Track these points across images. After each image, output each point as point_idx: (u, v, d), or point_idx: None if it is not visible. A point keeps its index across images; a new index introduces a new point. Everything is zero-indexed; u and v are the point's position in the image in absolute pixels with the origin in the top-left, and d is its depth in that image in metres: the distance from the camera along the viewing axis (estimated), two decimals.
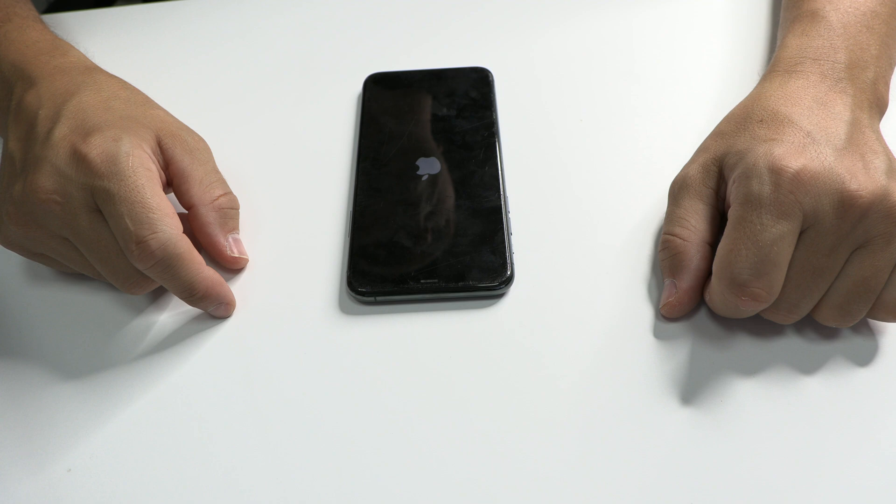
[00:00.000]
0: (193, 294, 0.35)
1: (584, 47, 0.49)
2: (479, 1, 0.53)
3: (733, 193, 0.33)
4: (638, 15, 0.51)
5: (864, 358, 0.34)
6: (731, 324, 0.35)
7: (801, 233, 0.32)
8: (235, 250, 0.38)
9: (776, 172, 0.32)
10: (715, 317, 0.36)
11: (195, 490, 0.32)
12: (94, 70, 0.40)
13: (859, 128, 0.34)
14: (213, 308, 0.36)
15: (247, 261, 0.39)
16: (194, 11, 0.54)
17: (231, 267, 0.39)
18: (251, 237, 0.40)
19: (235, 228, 0.39)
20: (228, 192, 0.39)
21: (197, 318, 0.37)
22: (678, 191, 0.37)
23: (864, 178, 0.32)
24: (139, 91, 0.41)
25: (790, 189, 0.31)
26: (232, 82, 0.49)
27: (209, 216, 0.38)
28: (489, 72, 0.47)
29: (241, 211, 0.41)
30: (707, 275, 0.35)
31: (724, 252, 0.32)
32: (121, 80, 0.40)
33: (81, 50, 0.42)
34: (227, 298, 0.36)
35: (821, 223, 0.31)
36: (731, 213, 0.33)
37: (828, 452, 0.31)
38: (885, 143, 0.34)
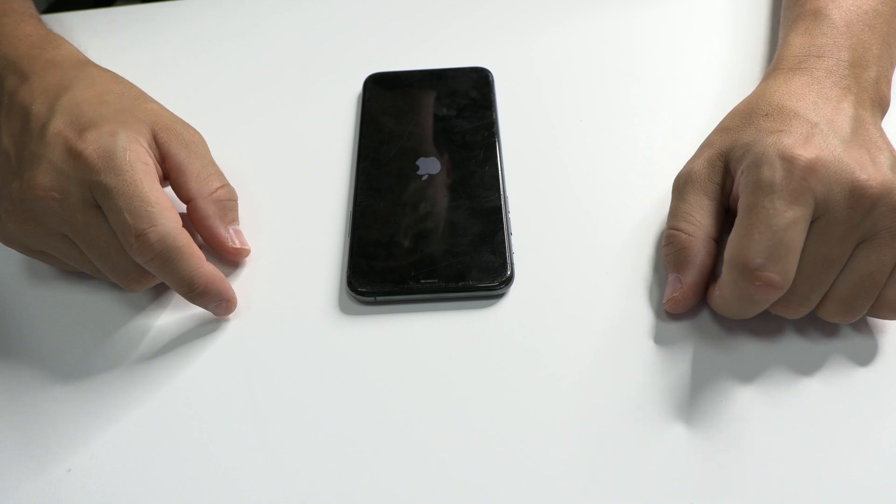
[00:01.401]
0: (193, 289, 0.35)
1: (584, 47, 0.49)
2: (479, 1, 0.53)
3: (742, 183, 0.33)
4: (638, 15, 0.51)
5: (865, 358, 0.34)
6: (732, 325, 0.35)
7: (812, 223, 0.32)
8: (237, 241, 0.38)
9: (788, 160, 0.31)
10: (716, 318, 0.36)
11: (195, 490, 0.32)
12: (86, 64, 0.40)
13: (863, 124, 0.34)
14: (214, 306, 0.36)
15: (249, 251, 0.39)
16: (194, 11, 0.54)
17: (234, 258, 0.39)
18: (251, 237, 0.40)
19: (235, 220, 0.39)
20: (226, 184, 0.39)
21: (197, 319, 0.37)
22: (682, 186, 0.37)
23: (873, 170, 0.32)
24: (132, 85, 0.40)
25: (802, 176, 0.31)
26: (232, 82, 0.49)
27: (208, 209, 0.38)
28: (489, 72, 0.47)
29: (242, 211, 0.41)
30: (711, 271, 0.35)
31: (737, 239, 0.32)
32: (113, 73, 0.40)
33: (81, 50, 0.42)
34: (228, 295, 0.36)
35: (832, 212, 0.31)
36: (741, 203, 0.33)
37: (828, 452, 0.31)
38: (888, 141, 0.35)
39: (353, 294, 0.37)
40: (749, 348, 0.34)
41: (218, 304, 0.36)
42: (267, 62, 0.50)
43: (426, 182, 0.41)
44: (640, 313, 0.36)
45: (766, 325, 0.35)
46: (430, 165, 0.41)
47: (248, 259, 0.39)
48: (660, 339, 0.35)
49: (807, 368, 0.34)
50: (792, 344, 0.34)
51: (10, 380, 0.36)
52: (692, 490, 0.31)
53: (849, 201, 0.31)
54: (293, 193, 0.42)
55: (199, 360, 0.36)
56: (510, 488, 0.31)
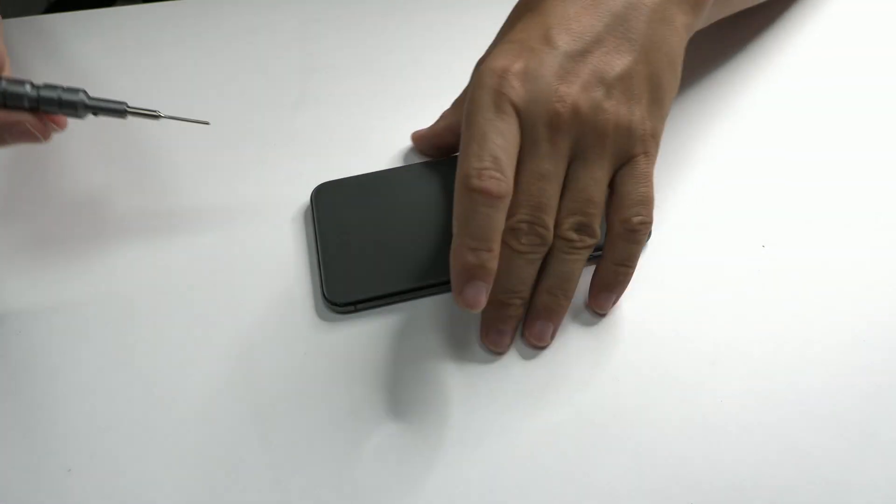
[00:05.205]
0: None
1: None
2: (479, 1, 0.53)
3: None
4: None
5: (865, 358, 0.34)
6: (728, 326, 0.35)
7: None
8: None
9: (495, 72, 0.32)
10: (713, 318, 0.36)
11: (195, 490, 0.32)
12: None
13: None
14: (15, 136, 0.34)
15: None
16: (194, 12, 0.54)
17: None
18: (249, 238, 0.40)
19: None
20: None
21: (195, 320, 0.37)
22: None
23: (576, 88, 0.32)
24: None
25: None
26: (232, 82, 0.49)
27: None
28: None
29: (240, 210, 0.41)
30: None
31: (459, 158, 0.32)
32: None
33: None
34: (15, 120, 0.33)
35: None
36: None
37: (829, 452, 0.32)
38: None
39: (332, 306, 0.37)
40: (748, 348, 0.35)
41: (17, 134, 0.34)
42: (267, 61, 0.50)
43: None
44: (638, 313, 0.36)
45: (762, 326, 0.35)
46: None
47: (241, 264, 0.39)
48: (659, 338, 0.35)
49: (805, 368, 0.34)
50: (791, 347, 0.34)
51: (11, 380, 0.36)
52: (692, 490, 0.31)
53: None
54: (292, 193, 0.42)
55: (197, 361, 0.36)
56: (509, 489, 0.31)
